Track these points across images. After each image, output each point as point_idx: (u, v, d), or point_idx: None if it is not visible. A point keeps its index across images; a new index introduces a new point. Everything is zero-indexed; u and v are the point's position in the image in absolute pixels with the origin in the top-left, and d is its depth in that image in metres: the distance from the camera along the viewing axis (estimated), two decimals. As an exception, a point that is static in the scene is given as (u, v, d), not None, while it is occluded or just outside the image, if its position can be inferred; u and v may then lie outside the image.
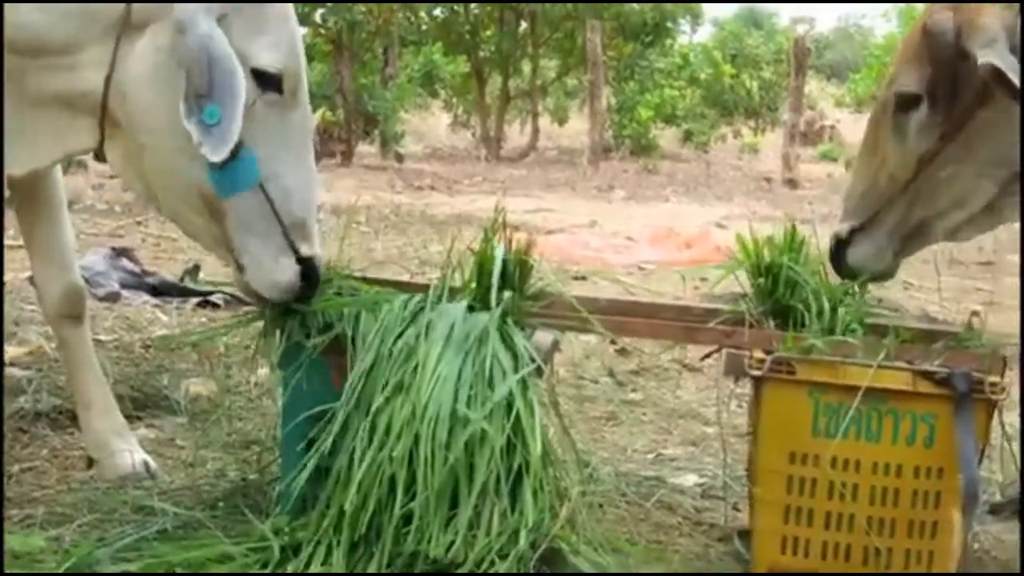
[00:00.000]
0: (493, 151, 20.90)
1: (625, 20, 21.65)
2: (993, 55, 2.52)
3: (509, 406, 2.51)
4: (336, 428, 2.57)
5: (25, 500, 3.01)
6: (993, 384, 2.54)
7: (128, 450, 3.25)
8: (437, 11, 22.26)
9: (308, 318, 2.74)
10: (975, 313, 2.80)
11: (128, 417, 3.48)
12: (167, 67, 2.53)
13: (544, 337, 2.76)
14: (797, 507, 2.62)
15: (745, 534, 2.87)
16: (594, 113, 18.48)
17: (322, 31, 18.05)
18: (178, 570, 2.51)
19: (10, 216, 3.27)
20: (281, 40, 2.64)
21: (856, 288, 2.88)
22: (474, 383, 2.54)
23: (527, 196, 13.21)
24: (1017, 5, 2.63)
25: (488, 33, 22.22)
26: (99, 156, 2.72)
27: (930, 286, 6.40)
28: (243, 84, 2.49)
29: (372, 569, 2.45)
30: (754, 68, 25.45)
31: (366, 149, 19.30)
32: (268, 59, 2.60)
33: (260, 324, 2.86)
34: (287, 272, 2.70)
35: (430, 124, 25.92)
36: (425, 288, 2.79)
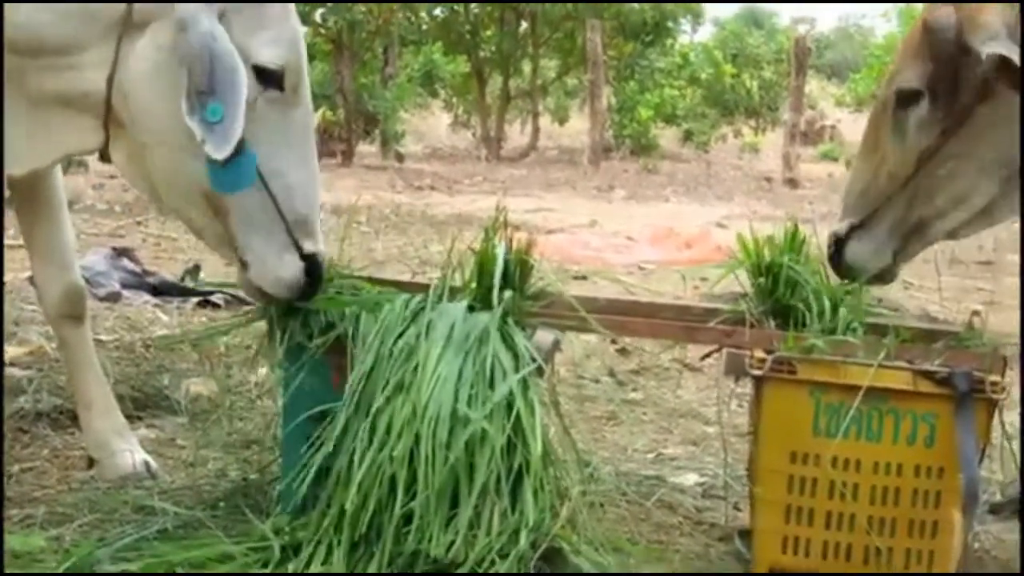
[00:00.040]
0: (493, 151, 20.89)
1: (625, 20, 21.64)
2: (998, 46, 2.53)
3: (509, 406, 2.51)
4: (337, 428, 2.57)
5: (25, 500, 3.01)
6: (994, 383, 2.54)
7: (129, 450, 3.25)
8: (437, 11, 22.26)
9: (310, 318, 2.74)
10: (976, 313, 2.80)
11: (129, 417, 3.48)
12: (168, 65, 2.53)
13: (545, 337, 2.76)
14: (798, 507, 2.62)
15: (746, 534, 2.87)
16: (594, 113, 18.48)
17: (322, 31, 18.04)
18: (179, 570, 2.51)
19: (10, 216, 3.27)
20: (282, 37, 2.63)
21: (856, 287, 2.87)
22: (475, 383, 2.54)
23: (527, 196, 13.22)
24: (1017, 4, 2.64)
25: (488, 33, 22.22)
26: (104, 157, 2.72)
27: (930, 286, 6.39)
28: (245, 81, 2.49)
29: (372, 569, 2.45)
30: (755, 68, 25.45)
31: (366, 149, 19.30)
32: (269, 55, 2.60)
33: (261, 324, 2.87)
34: (291, 269, 2.70)
35: (430, 124, 25.92)
36: (426, 288, 2.79)
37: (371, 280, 2.88)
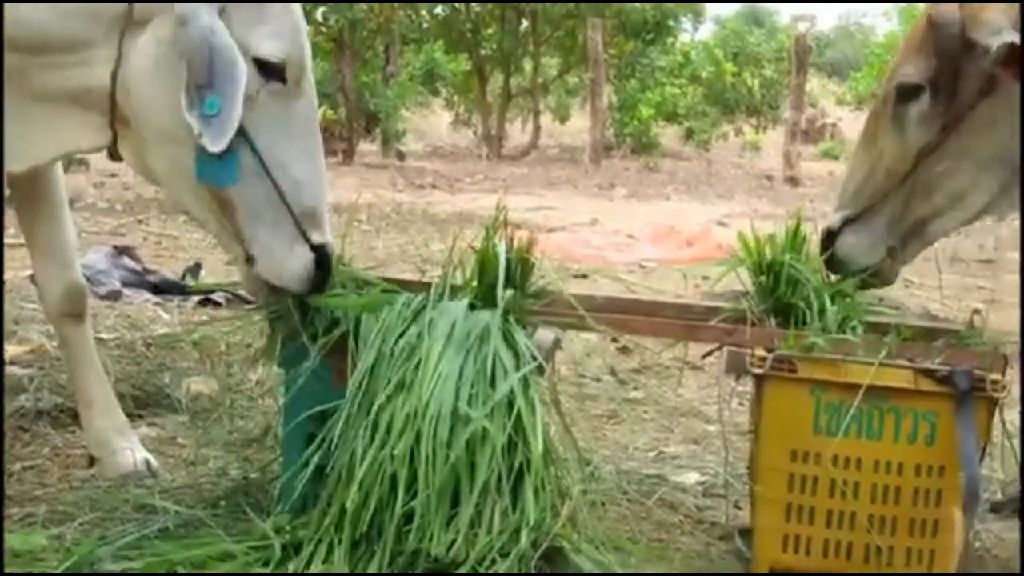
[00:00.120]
0: (494, 149, 20.90)
1: (626, 18, 21.65)
2: (1007, 36, 2.54)
3: (510, 404, 2.51)
4: (338, 426, 2.57)
5: (26, 498, 3.01)
6: (994, 382, 2.54)
7: (129, 448, 3.25)
8: (438, 9, 22.27)
9: (313, 316, 2.73)
10: (976, 311, 2.79)
11: (129, 415, 3.48)
12: (169, 60, 2.53)
13: (545, 335, 2.76)
14: (798, 505, 2.62)
15: (746, 532, 2.87)
16: (595, 111, 18.49)
17: (323, 29, 18.05)
18: (179, 568, 2.51)
19: (10, 214, 3.27)
20: (283, 29, 2.64)
21: (845, 282, 2.86)
22: (475, 381, 2.54)
23: (528, 194, 13.22)
24: (1018, 5, 2.64)
25: (489, 31, 22.23)
26: (113, 154, 2.73)
27: (931, 284, 6.39)
28: (244, 73, 2.49)
29: (373, 568, 2.44)
30: (755, 66, 25.47)
31: (367, 147, 19.31)
32: (270, 48, 2.60)
33: (261, 323, 2.86)
34: (300, 260, 2.69)
35: (431, 122, 25.93)
36: (427, 286, 2.79)
37: (380, 279, 2.87)
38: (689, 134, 23.43)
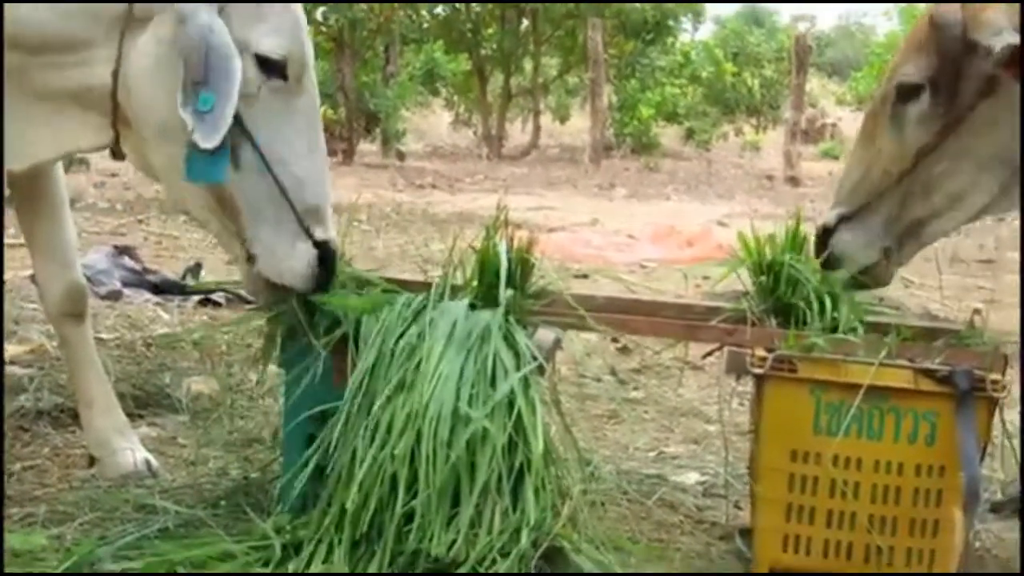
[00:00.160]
0: (494, 149, 20.90)
1: (626, 18, 21.65)
2: (1010, 37, 2.54)
3: (511, 404, 2.51)
4: (338, 426, 2.57)
5: (26, 498, 3.01)
6: (994, 382, 2.54)
7: (130, 448, 3.25)
8: (438, 9, 22.27)
9: (314, 315, 2.73)
10: (976, 311, 2.79)
11: (130, 415, 3.48)
12: (168, 59, 2.53)
13: (546, 335, 2.76)
14: (799, 505, 2.62)
15: (747, 532, 2.87)
16: (595, 111, 18.48)
17: (323, 29, 18.04)
18: (179, 568, 2.51)
19: (11, 214, 3.27)
20: (283, 26, 2.63)
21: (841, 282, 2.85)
22: (476, 381, 2.54)
23: (528, 194, 13.22)
24: (1018, 6, 2.64)
25: (489, 31, 22.22)
26: (115, 153, 2.72)
27: (931, 284, 6.39)
28: (239, 70, 2.48)
29: (373, 568, 2.44)
30: (755, 66, 25.47)
31: (367, 147, 19.31)
32: (270, 45, 2.60)
33: (262, 322, 2.86)
34: (303, 257, 2.68)
35: (431, 122, 25.92)
36: (427, 286, 2.78)
37: (373, 279, 2.87)
38: (689, 134, 23.43)
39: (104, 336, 4.65)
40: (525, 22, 22.09)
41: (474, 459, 2.46)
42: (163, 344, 4.59)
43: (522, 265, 2.79)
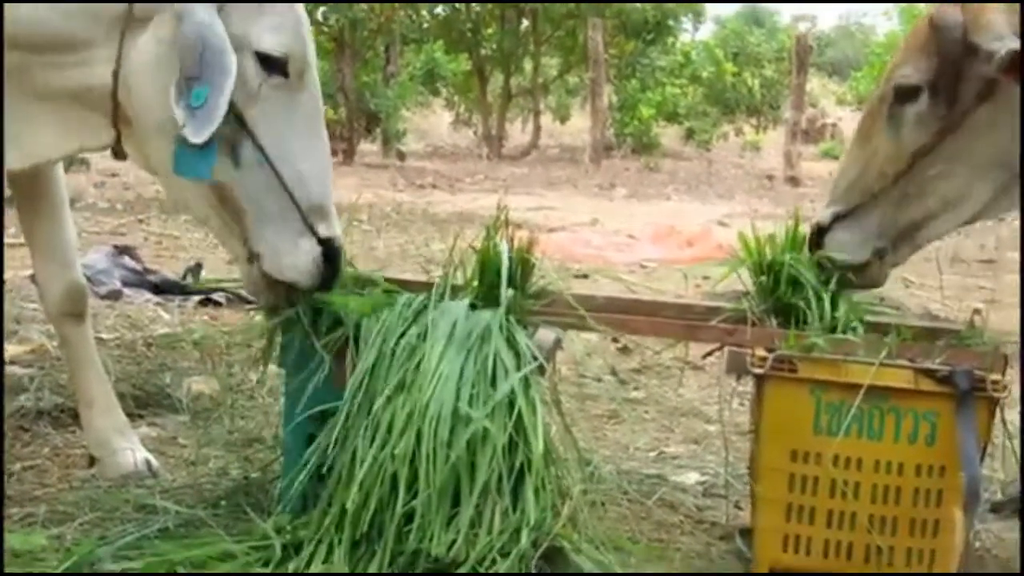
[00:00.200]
0: (495, 149, 20.91)
1: (627, 18, 21.66)
2: (1011, 42, 2.53)
3: (511, 404, 2.51)
4: (338, 426, 2.57)
5: (26, 498, 3.01)
6: (995, 382, 2.54)
7: (130, 448, 3.25)
8: (439, 9, 22.27)
9: (316, 316, 2.72)
10: (977, 311, 2.79)
11: (130, 415, 3.48)
12: (168, 59, 2.53)
13: (546, 335, 2.76)
14: (799, 505, 2.62)
15: (747, 532, 2.87)
16: (596, 111, 18.48)
17: (324, 29, 18.04)
18: (180, 568, 2.51)
19: (11, 214, 3.27)
20: (284, 23, 2.63)
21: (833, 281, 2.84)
22: (476, 381, 2.54)
23: (529, 194, 13.22)
24: (1017, 8, 2.64)
25: (490, 31, 22.23)
26: (117, 153, 2.72)
27: (932, 284, 6.39)
28: (234, 65, 2.47)
29: (373, 568, 2.44)
30: (756, 66, 25.46)
31: (368, 147, 19.31)
32: (271, 42, 2.60)
33: (262, 322, 2.86)
34: (308, 254, 2.68)
35: (432, 122, 25.93)
36: (428, 286, 2.78)
37: (374, 279, 2.87)
38: (689, 134, 23.43)
39: (104, 336, 4.65)
40: (525, 22, 22.09)
41: (474, 459, 2.46)
42: (163, 344, 4.59)
43: (522, 265, 2.79)
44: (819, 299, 2.73)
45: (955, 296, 6.31)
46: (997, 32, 2.59)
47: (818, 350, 2.61)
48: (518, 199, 11.48)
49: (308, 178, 2.66)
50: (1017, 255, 6.75)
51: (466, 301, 2.71)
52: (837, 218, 2.88)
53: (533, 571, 2.43)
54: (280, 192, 2.63)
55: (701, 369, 4.57)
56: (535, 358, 2.61)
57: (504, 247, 2.77)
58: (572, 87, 25.90)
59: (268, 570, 2.50)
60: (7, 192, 3.03)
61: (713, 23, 31.27)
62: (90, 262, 5.70)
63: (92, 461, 3.28)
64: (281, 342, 2.79)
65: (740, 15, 37.21)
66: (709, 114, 24.16)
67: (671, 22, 22.75)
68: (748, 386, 2.94)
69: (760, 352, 2.61)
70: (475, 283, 2.77)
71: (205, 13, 2.50)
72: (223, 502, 2.93)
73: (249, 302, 3.82)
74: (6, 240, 3.35)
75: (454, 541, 2.41)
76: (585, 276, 6.34)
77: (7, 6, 2.58)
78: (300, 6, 2.69)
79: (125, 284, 5.84)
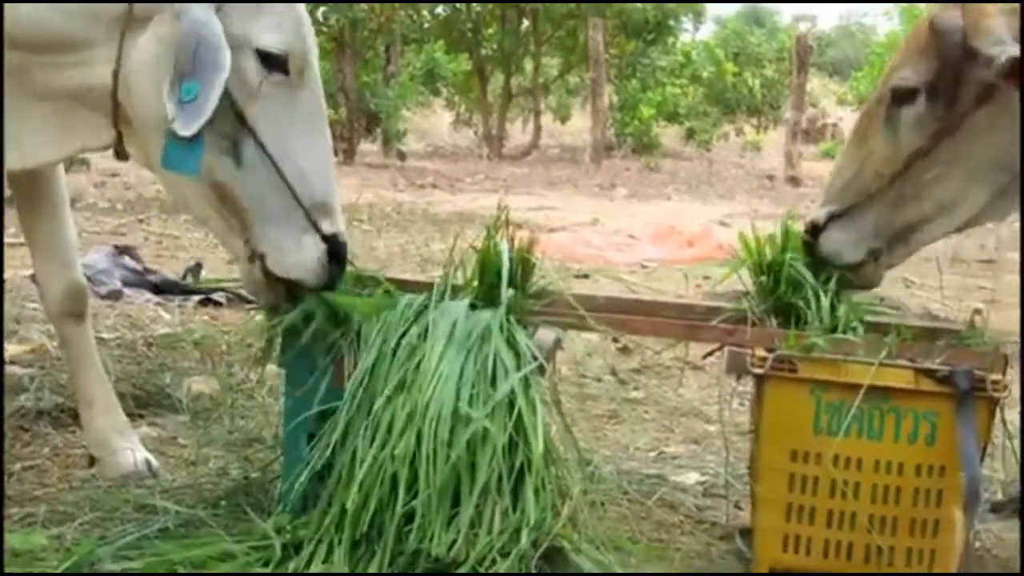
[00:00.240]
0: (495, 149, 20.91)
1: (627, 18, 21.66)
2: (1011, 48, 2.53)
3: (511, 404, 2.51)
4: (338, 427, 2.57)
5: (26, 498, 3.01)
6: (995, 382, 2.54)
7: (130, 448, 3.25)
8: (439, 9, 22.27)
9: (317, 316, 2.72)
10: (977, 311, 2.79)
11: (130, 415, 3.48)
12: (168, 58, 2.52)
13: (546, 335, 2.76)
14: (799, 505, 2.62)
15: (747, 532, 2.87)
16: (596, 111, 18.48)
17: (324, 29, 18.04)
18: (180, 568, 2.51)
19: (11, 214, 3.27)
20: (284, 21, 2.63)
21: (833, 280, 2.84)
22: (476, 381, 2.54)
23: (529, 194, 13.23)
24: (1018, 9, 2.64)
25: (490, 31, 22.23)
26: (120, 154, 2.72)
27: (932, 284, 6.40)
28: (228, 61, 2.46)
29: (374, 568, 2.45)
30: (756, 66, 25.46)
31: (368, 147, 19.31)
32: (271, 39, 2.60)
33: (262, 322, 2.86)
34: (313, 252, 2.67)
35: (432, 122, 25.92)
36: (428, 286, 2.78)
37: (374, 278, 2.86)
38: (690, 134, 23.42)
39: (105, 336, 4.65)
40: (526, 22, 22.09)
41: (474, 459, 2.46)
42: (164, 344, 4.59)
43: (523, 265, 2.79)
44: (819, 299, 2.73)
45: (955, 296, 6.31)
46: (997, 37, 2.59)
47: (818, 350, 2.61)
48: (518, 199, 11.48)
49: (310, 175, 2.65)
50: (1017, 255, 6.74)
51: (466, 301, 2.71)
52: (832, 217, 2.87)
53: (533, 571, 2.44)
54: (283, 190, 2.62)
55: (701, 369, 4.57)
56: (535, 358, 2.61)
57: (504, 247, 2.77)
58: (572, 87, 25.90)
59: (268, 570, 2.50)
60: (7, 192, 3.03)
61: (713, 23, 31.33)
62: (90, 262, 5.71)
63: (92, 461, 3.28)
64: (281, 342, 2.79)
65: (740, 15, 37.21)
66: (709, 114, 24.16)
67: (672, 22, 22.76)
68: (748, 386, 2.94)
69: (760, 352, 2.61)
70: (475, 283, 2.77)
71: (202, 11, 2.50)
72: (223, 502, 2.93)
73: (249, 302, 3.82)
74: (6, 240, 3.35)
75: (454, 541, 2.41)
76: (585, 276, 6.34)
77: (7, 6, 2.58)
78: (300, 4, 2.69)
79: (125, 284, 5.84)
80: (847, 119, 25.39)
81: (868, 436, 2.58)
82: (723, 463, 3.18)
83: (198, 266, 6.35)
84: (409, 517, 2.44)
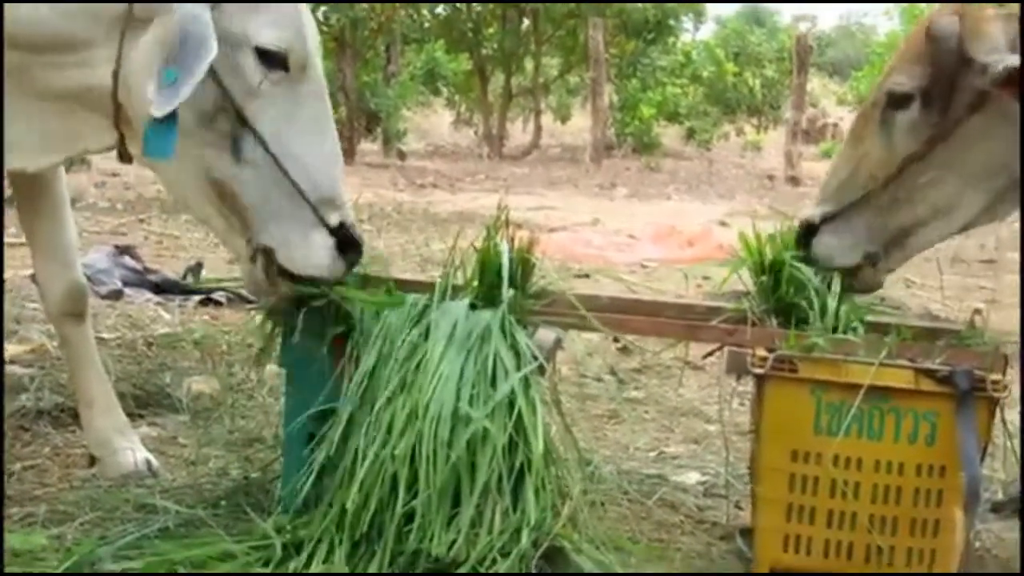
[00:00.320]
0: (495, 149, 20.91)
1: (627, 18, 21.66)
2: (1009, 58, 2.53)
3: (511, 404, 2.51)
4: (339, 427, 2.57)
5: (27, 498, 3.01)
6: (995, 382, 2.54)
7: (130, 448, 3.25)
8: (439, 9, 22.27)
9: (317, 315, 2.72)
10: (977, 311, 2.79)
11: (130, 415, 3.48)
12: None
13: (546, 335, 2.75)
14: (799, 505, 2.62)
15: (747, 532, 2.87)
16: (596, 111, 18.49)
17: (325, 28, 18.04)
18: (180, 568, 2.51)
19: (11, 213, 3.27)
20: (283, 18, 2.62)
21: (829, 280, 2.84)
22: (476, 381, 2.54)
23: (529, 194, 13.22)
24: (1015, 19, 2.64)
25: (490, 31, 22.23)
26: (122, 155, 2.72)
27: (932, 284, 6.40)
28: (211, 52, 2.44)
29: (374, 568, 2.45)
30: (756, 66, 25.47)
31: (368, 147, 19.32)
32: (270, 37, 2.59)
33: (261, 321, 2.86)
34: (321, 246, 2.66)
35: (432, 122, 25.93)
36: (428, 286, 2.78)
37: (374, 278, 2.86)
38: (690, 134, 23.43)
39: (105, 336, 4.65)
40: (526, 22, 22.10)
41: (474, 459, 2.46)
42: (164, 344, 4.59)
43: (523, 265, 2.79)
44: (820, 299, 2.73)
45: (955, 296, 6.32)
46: (993, 44, 2.59)
47: (818, 350, 2.61)
48: (519, 199, 11.48)
49: (315, 171, 2.64)
50: (1017, 255, 6.75)
51: (466, 301, 2.71)
52: (826, 219, 2.87)
53: (533, 571, 2.44)
54: (287, 187, 2.61)
55: (701, 369, 4.57)
56: (535, 358, 2.61)
57: (505, 247, 2.77)
58: (573, 87, 25.91)
59: (268, 570, 2.50)
60: (7, 192, 3.02)
61: (714, 23, 31.33)
62: (91, 262, 5.70)
63: (92, 461, 3.28)
64: (281, 342, 2.79)
65: (741, 15, 37.22)
66: (710, 114, 24.17)
67: (672, 22, 22.76)
68: (748, 386, 2.95)
69: (760, 352, 2.61)
70: (475, 283, 2.77)
71: (197, 8, 2.49)
72: (223, 502, 2.93)
73: (250, 302, 3.82)
74: (6, 240, 3.34)
75: (454, 541, 2.41)
76: (586, 276, 6.35)
77: (7, 6, 2.58)
78: (302, 5, 2.69)
79: (126, 284, 5.84)
80: (847, 119, 25.36)
81: (868, 436, 2.58)
82: (723, 463, 3.18)
83: (198, 266, 6.35)
84: (409, 517, 2.44)
